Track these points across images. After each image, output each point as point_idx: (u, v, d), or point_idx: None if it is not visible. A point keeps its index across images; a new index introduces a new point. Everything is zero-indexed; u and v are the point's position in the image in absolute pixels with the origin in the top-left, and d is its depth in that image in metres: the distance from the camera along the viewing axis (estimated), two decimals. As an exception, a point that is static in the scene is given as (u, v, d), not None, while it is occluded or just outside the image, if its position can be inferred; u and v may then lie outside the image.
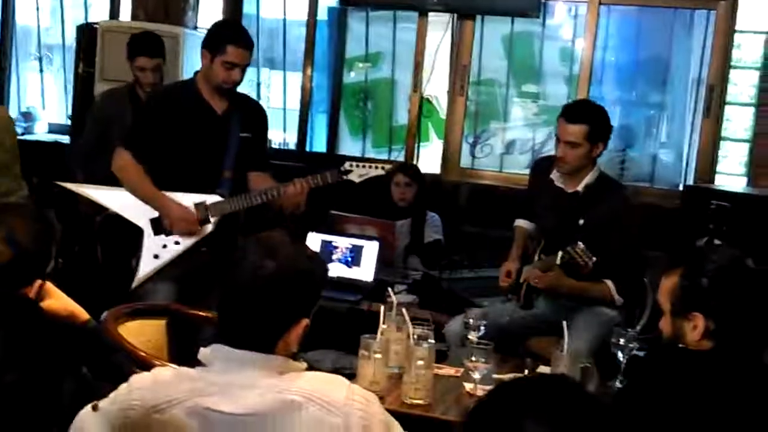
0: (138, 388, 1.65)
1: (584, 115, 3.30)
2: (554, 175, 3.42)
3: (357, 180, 3.39)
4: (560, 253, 3.18)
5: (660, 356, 2.06)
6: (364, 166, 3.41)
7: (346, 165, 3.39)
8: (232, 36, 3.31)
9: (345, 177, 3.38)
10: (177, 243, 3.37)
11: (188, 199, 3.36)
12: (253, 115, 3.53)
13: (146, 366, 2.09)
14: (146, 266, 3.37)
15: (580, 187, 3.36)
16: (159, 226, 3.37)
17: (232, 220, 3.42)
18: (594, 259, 3.09)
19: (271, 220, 3.45)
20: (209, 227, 3.37)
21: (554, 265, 3.24)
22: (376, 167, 3.44)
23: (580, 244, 3.09)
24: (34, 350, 1.20)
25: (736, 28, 4.75)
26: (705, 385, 1.85)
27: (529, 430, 0.97)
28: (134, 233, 3.39)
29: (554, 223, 3.42)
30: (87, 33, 5.14)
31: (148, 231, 3.38)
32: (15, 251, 1.83)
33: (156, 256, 3.37)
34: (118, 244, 3.52)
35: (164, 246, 3.37)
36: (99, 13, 5.93)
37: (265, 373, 1.64)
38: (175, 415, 1.61)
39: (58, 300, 2.14)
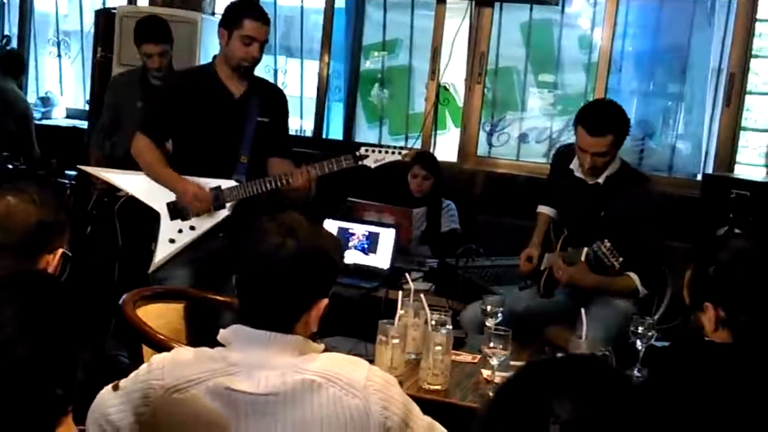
0: (158, 368, 1.65)
1: (608, 126, 3.16)
2: (574, 165, 3.35)
3: (373, 165, 3.32)
4: (585, 250, 3.13)
5: (683, 348, 2.04)
6: (380, 152, 3.34)
7: (362, 150, 3.33)
8: (248, 10, 3.30)
9: (360, 162, 3.31)
10: (192, 228, 3.36)
11: (204, 184, 3.35)
12: (273, 99, 3.49)
13: (164, 349, 2.09)
14: (162, 251, 3.37)
15: (601, 180, 3.28)
16: (175, 211, 3.37)
17: (250, 205, 3.36)
18: (621, 259, 3.04)
19: (284, 206, 3.42)
20: (225, 212, 3.35)
21: (579, 260, 3.22)
22: (393, 152, 3.37)
23: (607, 243, 3.04)
24: (49, 326, 1.19)
25: (758, 17, 4.69)
26: (726, 376, 1.83)
27: (557, 408, 0.97)
28: (153, 217, 3.39)
29: (575, 215, 3.37)
30: (104, 18, 5.16)
31: (164, 215, 3.37)
32: (41, 211, 1.86)
33: (172, 241, 3.36)
34: (137, 227, 3.52)
35: (180, 231, 3.36)
36: (116, -1, 5.94)
37: (284, 353, 1.63)
38: (196, 394, 1.61)
39: None
